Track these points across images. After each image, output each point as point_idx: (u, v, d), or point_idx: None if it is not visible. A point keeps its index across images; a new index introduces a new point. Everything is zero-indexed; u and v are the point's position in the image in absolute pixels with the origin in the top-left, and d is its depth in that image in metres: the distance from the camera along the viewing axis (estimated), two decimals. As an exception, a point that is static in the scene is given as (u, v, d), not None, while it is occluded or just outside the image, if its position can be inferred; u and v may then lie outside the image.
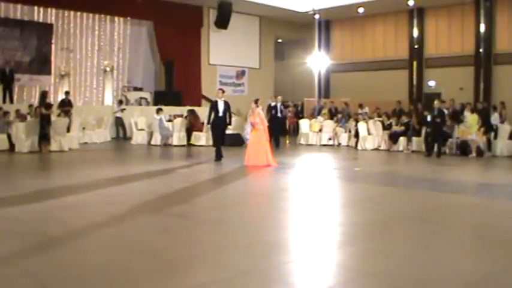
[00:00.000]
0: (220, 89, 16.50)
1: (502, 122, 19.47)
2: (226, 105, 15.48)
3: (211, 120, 15.49)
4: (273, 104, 21.45)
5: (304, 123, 23.59)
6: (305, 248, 6.15)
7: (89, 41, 26.54)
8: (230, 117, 16.45)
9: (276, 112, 21.15)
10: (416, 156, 17.81)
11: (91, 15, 26.25)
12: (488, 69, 26.29)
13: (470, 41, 26.86)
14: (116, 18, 27.14)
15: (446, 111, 19.11)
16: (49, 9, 24.91)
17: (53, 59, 25.05)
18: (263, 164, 13.99)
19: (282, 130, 22.17)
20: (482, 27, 26.29)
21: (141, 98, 26.02)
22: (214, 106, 15.45)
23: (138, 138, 21.58)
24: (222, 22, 27.99)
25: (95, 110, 24.30)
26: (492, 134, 18.24)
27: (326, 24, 32.09)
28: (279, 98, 22.27)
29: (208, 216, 8.01)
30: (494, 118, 19.39)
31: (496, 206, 9.06)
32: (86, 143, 20.74)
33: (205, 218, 7.85)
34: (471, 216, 8.38)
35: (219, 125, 15.41)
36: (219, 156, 15.35)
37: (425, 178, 12.76)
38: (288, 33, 33.11)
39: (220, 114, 15.36)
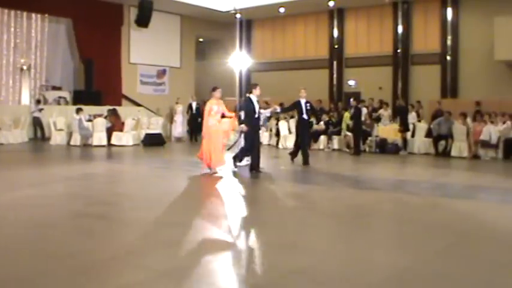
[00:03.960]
0: (304, 88, 14.65)
1: (419, 120, 20.06)
2: (309, 104, 14.46)
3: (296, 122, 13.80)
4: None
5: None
6: (225, 247, 6.16)
7: (4, 37, 25.71)
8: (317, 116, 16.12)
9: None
10: (336, 154, 18.12)
11: (6, 10, 25.42)
12: (405, 69, 27.09)
13: (389, 42, 27.60)
14: (33, 15, 26.42)
15: (365, 110, 19.63)
16: (-39, 4, 24.01)
17: (-35, 56, 24.17)
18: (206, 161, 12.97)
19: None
20: (400, 29, 27.07)
21: (59, 97, 25.40)
22: (298, 106, 14.33)
23: (57, 138, 21.07)
24: (143, 20, 27.68)
25: (11, 109, 23.55)
26: (409, 133, 18.76)
27: (247, 24, 32.30)
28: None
29: (130, 217, 7.90)
30: (412, 117, 19.95)
31: (413, 202, 9.29)
32: (1, 144, 20.10)
33: (127, 219, 7.74)
34: (391, 212, 8.58)
35: (304, 126, 14.38)
36: (306, 160, 14.42)
37: (347, 176, 13.00)
38: (209, 33, 33.04)
39: (305, 115, 14.36)
